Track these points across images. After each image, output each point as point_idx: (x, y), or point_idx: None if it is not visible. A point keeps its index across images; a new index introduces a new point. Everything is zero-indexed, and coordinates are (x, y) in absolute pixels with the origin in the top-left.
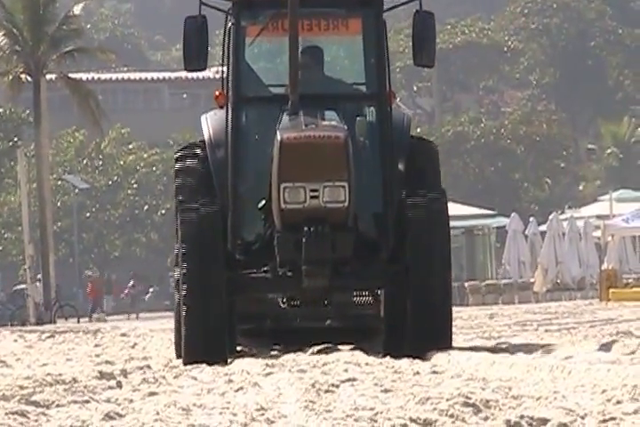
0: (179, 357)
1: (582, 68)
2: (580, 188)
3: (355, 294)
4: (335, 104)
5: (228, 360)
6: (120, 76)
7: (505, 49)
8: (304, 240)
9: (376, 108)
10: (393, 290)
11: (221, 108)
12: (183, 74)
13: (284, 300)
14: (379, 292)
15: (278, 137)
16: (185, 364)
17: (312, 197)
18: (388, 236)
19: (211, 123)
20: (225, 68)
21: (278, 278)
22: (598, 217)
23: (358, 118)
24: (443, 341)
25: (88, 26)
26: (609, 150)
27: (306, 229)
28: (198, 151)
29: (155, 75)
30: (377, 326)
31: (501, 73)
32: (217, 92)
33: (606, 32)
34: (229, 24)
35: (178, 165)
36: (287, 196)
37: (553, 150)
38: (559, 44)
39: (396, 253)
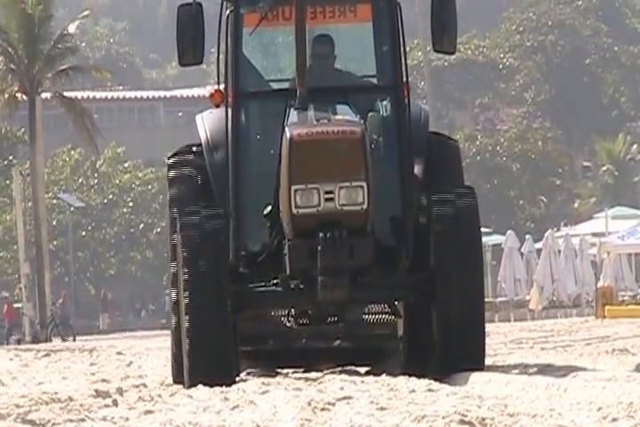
0: (177, 381)
1: (578, 85)
2: (576, 205)
3: (368, 311)
4: (346, 97)
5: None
6: (115, 94)
7: (500, 66)
8: (319, 248)
9: (391, 101)
10: (416, 302)
11: (217, 107)
12: (178, 92)
13: (291, 318)
14: (398, 306)
15: (287, 134)
16: (189, 388)
17: (327, 200)
18: (408, 242)
19: (207, 123)
20: (222, 62)
21: (290, 291)
22: (594, 234)
23: (371, 113)
24: (476, 360)
25: (83, 44)
26: (604, 168)
27: (321, 235)
28: (194, 156)
29: (150, 93)
30: (392, 346)
31: (496, 90)
32: (212, 90)
33: (601, 49)
34: (227, 12)
35: (172, 173)
36: (299, 199)
37: (548, 168)
38: (554, 61)
39: (418, 260)
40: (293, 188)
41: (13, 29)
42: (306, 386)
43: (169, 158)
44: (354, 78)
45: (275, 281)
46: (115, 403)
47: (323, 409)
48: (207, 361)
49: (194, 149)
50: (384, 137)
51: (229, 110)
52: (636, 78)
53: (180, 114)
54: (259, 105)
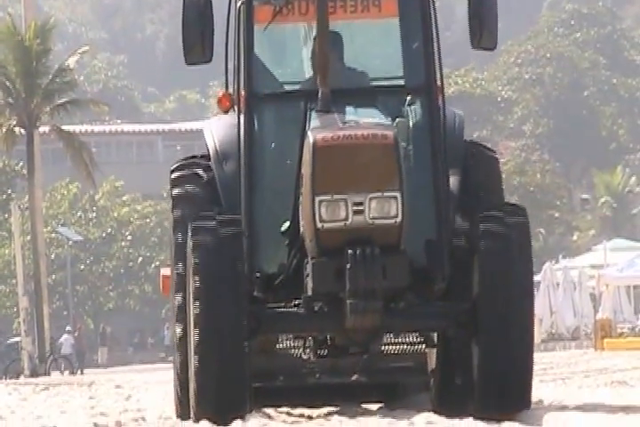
0: (181, 417)
1: (576, 117)
2: (574, 237)
3: (388, 340)
4: (373, 100)
5: None
6: (113, 128)
7: (498, 99)
8: (348, 267)
9: (422, 105)
10: (456, 333)
11: (226, 113)
12: (177, 126)
13: (307, 349)
14: (433, 336)
15: (310, 139)
16: (197, 420)
17: (355, 213)
18: (444, 262)
19: (216, 131)
20: (231, 62)
21: (314, 315)
22: (592, 267)
23: (400, 118)
24: (522, 401)
25: (81, 78)
26: (603, 200)
27: (349, 252)
28: (200, 170)
29: (148, 127)
30: (419, 381)
31: (495, 123)
32: (220, 94)
33: (600, 82)
34: (238, 4)
35: (175, 191)
36: (324, 212)
37: (547, 200)
38: (553, 93)
39: (455, 283)
40: (318, 199)
41: (11, 63)
42: (305, 421)
43: (172, 173)
44: (379, 79)
45: (296, 302)
46: None
47: None
48: (222, 394)
49: (200, 160)
50: (415, 145)
51: (241, 115)
52: (635, 111)
53: (179, 147)
54: (274, 109)
